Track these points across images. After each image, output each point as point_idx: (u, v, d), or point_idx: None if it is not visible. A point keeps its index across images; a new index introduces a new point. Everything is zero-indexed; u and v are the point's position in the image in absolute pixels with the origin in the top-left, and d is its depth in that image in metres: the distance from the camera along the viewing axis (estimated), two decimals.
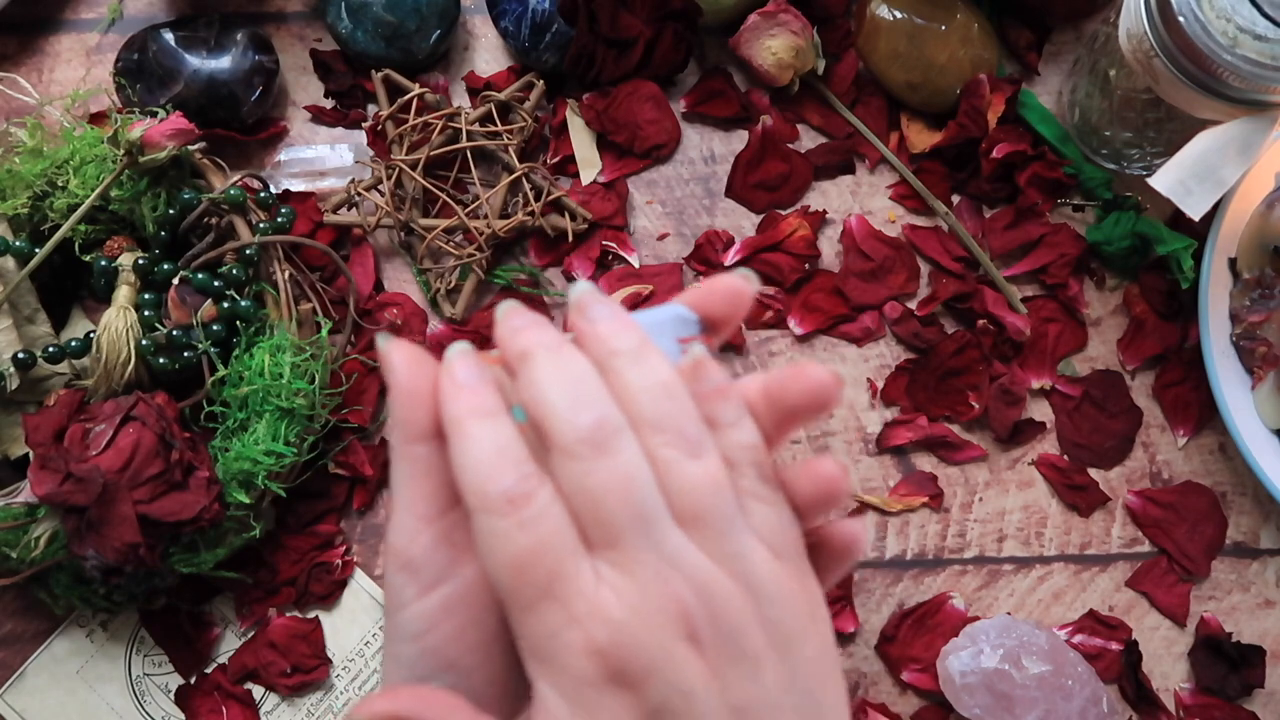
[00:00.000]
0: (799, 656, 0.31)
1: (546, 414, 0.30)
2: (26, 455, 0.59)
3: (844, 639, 0.65)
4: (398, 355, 0.32)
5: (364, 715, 0.30)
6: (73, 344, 0.60)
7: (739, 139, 0.68)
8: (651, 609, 0.29)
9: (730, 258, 0.66)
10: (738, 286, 0.35)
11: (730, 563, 0.30)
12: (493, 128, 0.65)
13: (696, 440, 0.31)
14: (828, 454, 0.35)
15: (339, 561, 0.65)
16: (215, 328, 0.59)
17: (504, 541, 0.29)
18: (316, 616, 0.65)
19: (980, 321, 0.65)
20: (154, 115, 0.62)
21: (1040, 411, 0.66)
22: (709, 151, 0.68)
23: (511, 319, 0.32)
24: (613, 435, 0.30)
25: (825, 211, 0.67)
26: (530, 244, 0.67)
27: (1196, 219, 0.56)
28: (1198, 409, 0.66)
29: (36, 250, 0.59)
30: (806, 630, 0.31)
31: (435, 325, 0.67)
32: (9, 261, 0.61)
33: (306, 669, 0.64)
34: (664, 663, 0.29)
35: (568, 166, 0.67)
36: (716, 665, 0.30)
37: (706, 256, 0.67)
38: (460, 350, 0.32)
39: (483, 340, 0.66)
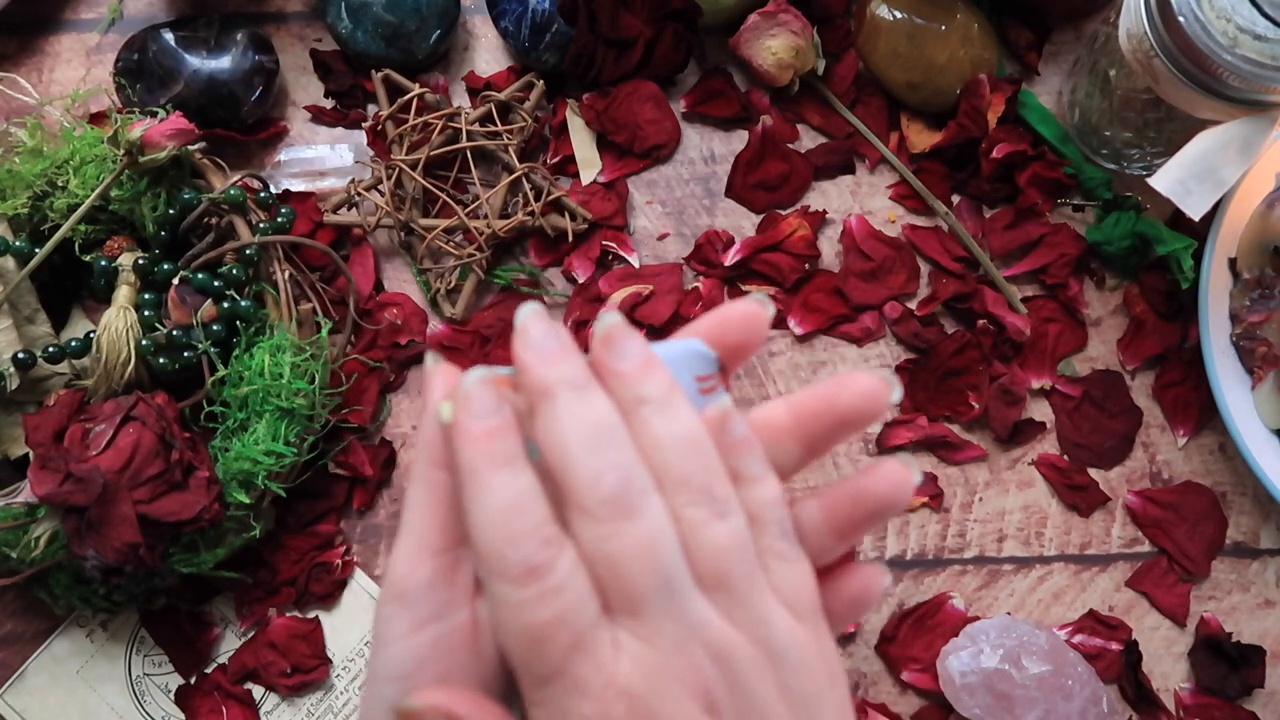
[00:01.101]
0: None
1: (568, 468, 0.28)
2: (26, 455, 0.59)
3: (844, 639, 0.65)
4: (439, 376, 0.31)
5: (419, 704, 0.29)
6: (73, 344, 0.60)
7: (739, 139, 0.68)
8: (671, 681, 0.28)
9: (730, 258, 0.66)
10: (754, 313, 0.33)
11: (752, 629, 0.29)
12: (493, 128, 0.65)
13: (723, 499, 0.29)
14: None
15: (339, 561, 0.65)
16: (215, 328, 0.59)
17: (521, 613, 0.28)
18: (316, 616, 0.65)
19: (980, 321, 0.65)
20: (154, 115, 0.62)
21: (1040, 411, 0.66)
22: (709, 151, 0.68)
23: (533, 338, 0.29)
24: (638, 497, 0.28)
25: (825, 211, 0.67)
26: (530, 244, 0.67)
27: (1196, 219, 0.56)
28: (1198, 409, 0.66)
29: (36, 250, 0.59)
30: (825, 694, 0.30)
31: (435, 325, 0.67)
32: (9, 261, 0.61)
33: (306, 669, 0.64)
34: None
35: (568, 166, 0.67)
36: None
37: (706, 256, 0.67)
38: (479, 379, 0.29)
39: (482, 341, 0.66)
